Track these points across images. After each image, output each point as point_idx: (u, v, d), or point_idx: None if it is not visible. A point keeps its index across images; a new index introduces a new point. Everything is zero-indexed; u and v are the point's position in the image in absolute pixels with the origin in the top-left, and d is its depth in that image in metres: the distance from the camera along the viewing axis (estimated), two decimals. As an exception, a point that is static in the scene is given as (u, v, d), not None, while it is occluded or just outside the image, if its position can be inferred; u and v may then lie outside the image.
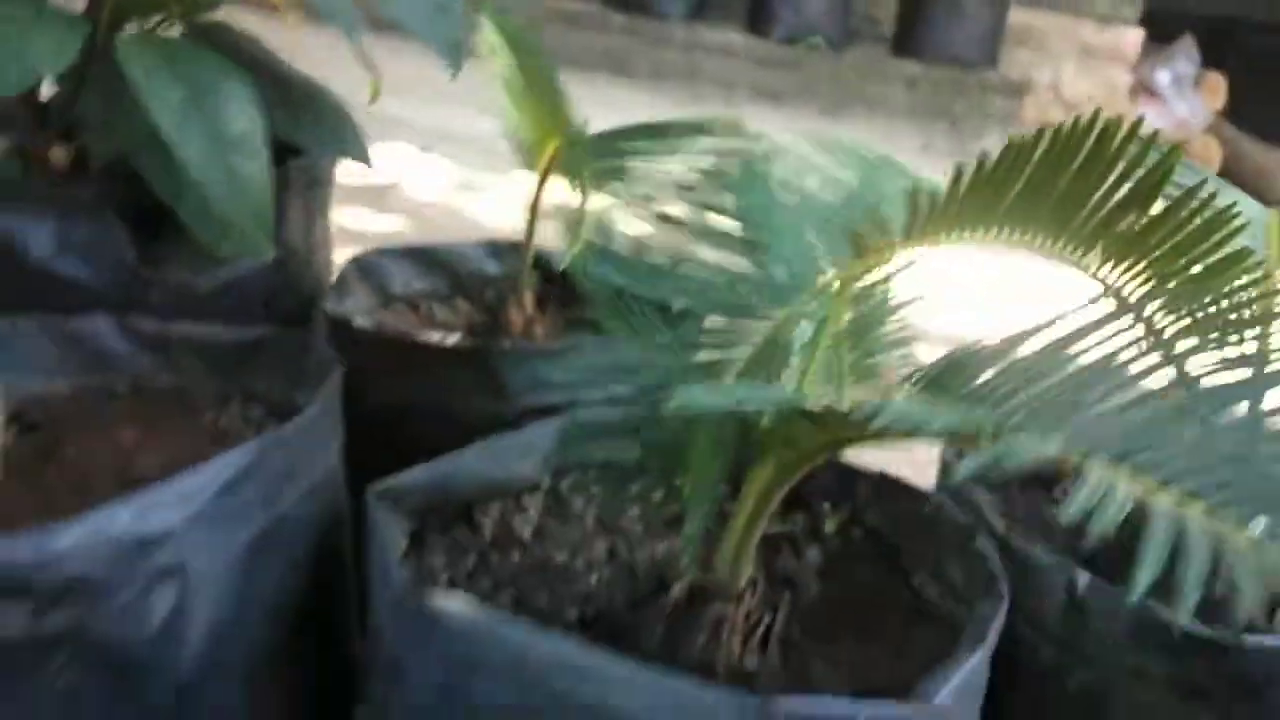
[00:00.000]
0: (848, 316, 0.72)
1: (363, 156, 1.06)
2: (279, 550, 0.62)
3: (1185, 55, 4.21)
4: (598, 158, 0.80)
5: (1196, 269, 0.71)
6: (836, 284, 0.69)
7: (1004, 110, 4.34)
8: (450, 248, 1.24)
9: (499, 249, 1.27)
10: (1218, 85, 4.20)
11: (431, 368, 0.95)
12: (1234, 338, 0.78)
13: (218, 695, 0.57)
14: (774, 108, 4.26)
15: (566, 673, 0.53)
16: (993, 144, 3.98)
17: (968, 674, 0.59)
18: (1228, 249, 0.70)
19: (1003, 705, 0.75)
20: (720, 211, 0.74)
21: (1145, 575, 0.35)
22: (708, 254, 0.71)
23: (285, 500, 0.62)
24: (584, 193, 0.71)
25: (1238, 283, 0.71)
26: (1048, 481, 1.04)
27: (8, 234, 0.87)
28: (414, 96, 3.29)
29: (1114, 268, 0.72)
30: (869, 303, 0.75)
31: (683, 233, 0.73)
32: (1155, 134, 0.62)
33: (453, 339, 0.97)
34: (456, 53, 1.02)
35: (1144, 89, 4.19)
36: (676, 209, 0.76)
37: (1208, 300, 0.74)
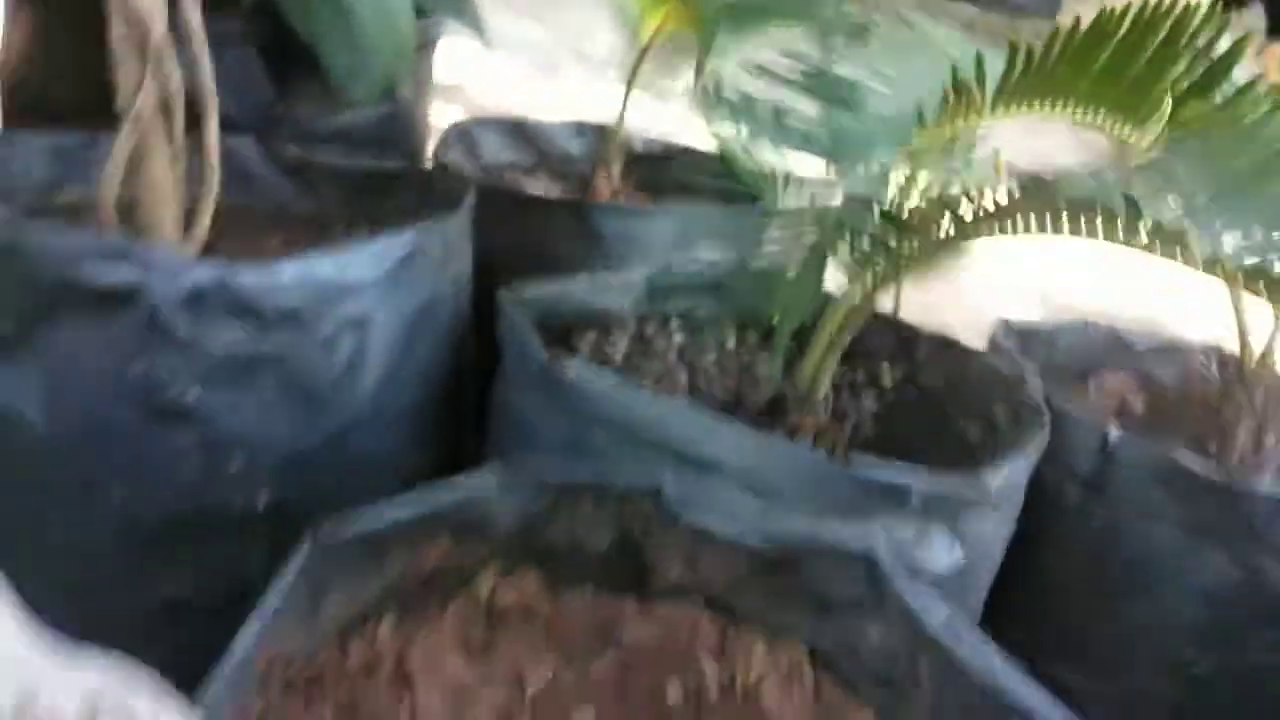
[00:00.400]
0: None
1: (476, 26, 1.14)
2: (431, 323, 0.72)
3: (1252, 16, 4.18)
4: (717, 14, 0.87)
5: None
6: (929, 137, 0.78)
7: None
8: (539, 124, 1.33)
9: (584, 129, 1.35)
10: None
11: (535, 218, 1.04)
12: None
13: (377, 434, 0.67)
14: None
15: (676, 428, 0.62)
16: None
17: (1013, 472, 0.69)
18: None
19: (1032, 539, 0.85)
20: (824, 73, 0.82)
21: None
22: (809, 110, 0.79)
23: (440, 282, 0.72)
24: (706, 48, 0.79)
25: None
26: (1083, 372, 1.13)
27: None
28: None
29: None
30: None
31: (791, 90, 0.81)
32: (1228, 18, 0.70)
33: (555, 191, 1.06)
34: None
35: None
36: (785, 68, 0.84)
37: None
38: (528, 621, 0.59)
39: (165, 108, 0.57)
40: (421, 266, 0.68)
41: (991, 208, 0.59)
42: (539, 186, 1.29)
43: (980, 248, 0.94)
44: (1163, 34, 0.70)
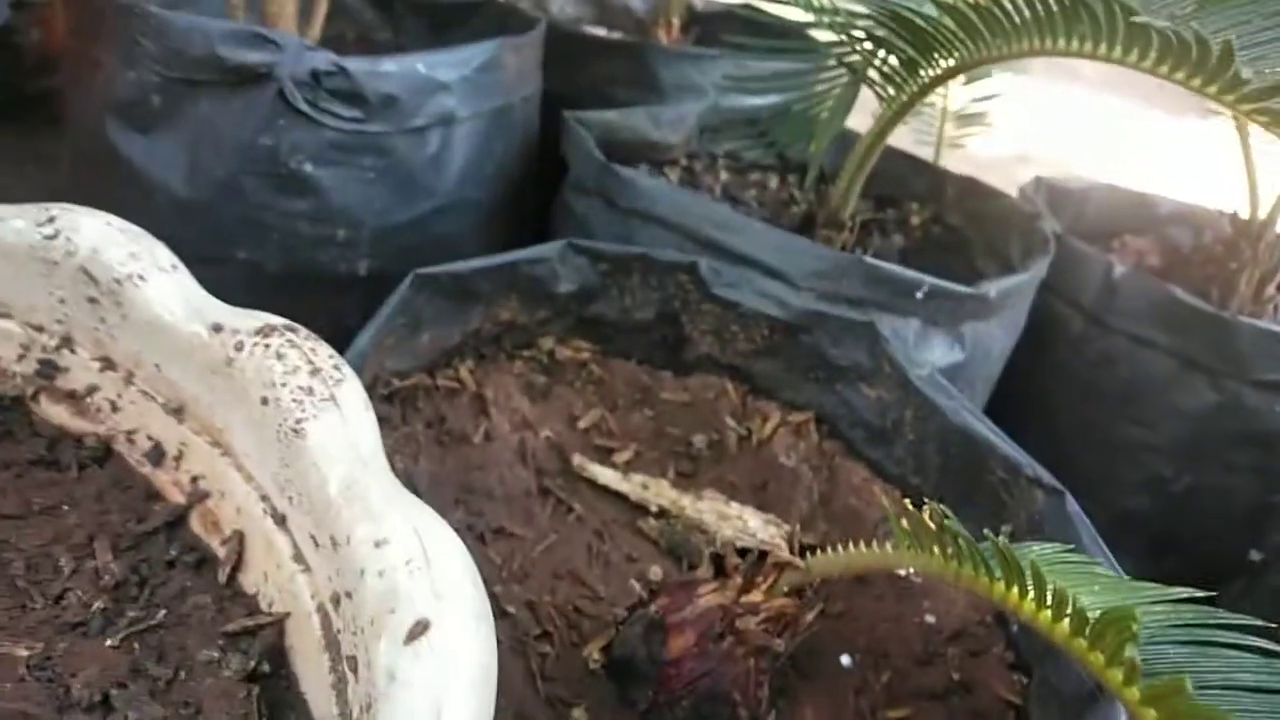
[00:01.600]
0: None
1: None
2: (506, 129, 0.81)
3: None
4: None
5: None
6: None
7: None
8: (603, -22, 1.39)
9: (645, -15, 1.41)
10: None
11: (596, 58, 1.12)
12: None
13: (457, 218, 0.78)
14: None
15: (713, 223, 0.72)
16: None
17: (1013, 285, 0.78)
18: None
19: (1033, 362, 0.94)
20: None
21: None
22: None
23: (514, 93, 0.82)
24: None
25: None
26: (1108, 234, 1.20)
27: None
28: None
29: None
30: None
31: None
32: None
33: (616, 34, 1.13)
34: None
35: None
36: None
37: None
38: (580, 376, 0.70)
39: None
40: (499, 75, 0.78)
41: (1023, 17, 0.64)
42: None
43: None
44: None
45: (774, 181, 1.06)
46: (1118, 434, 0.94)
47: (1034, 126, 2.54)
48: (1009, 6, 0.61)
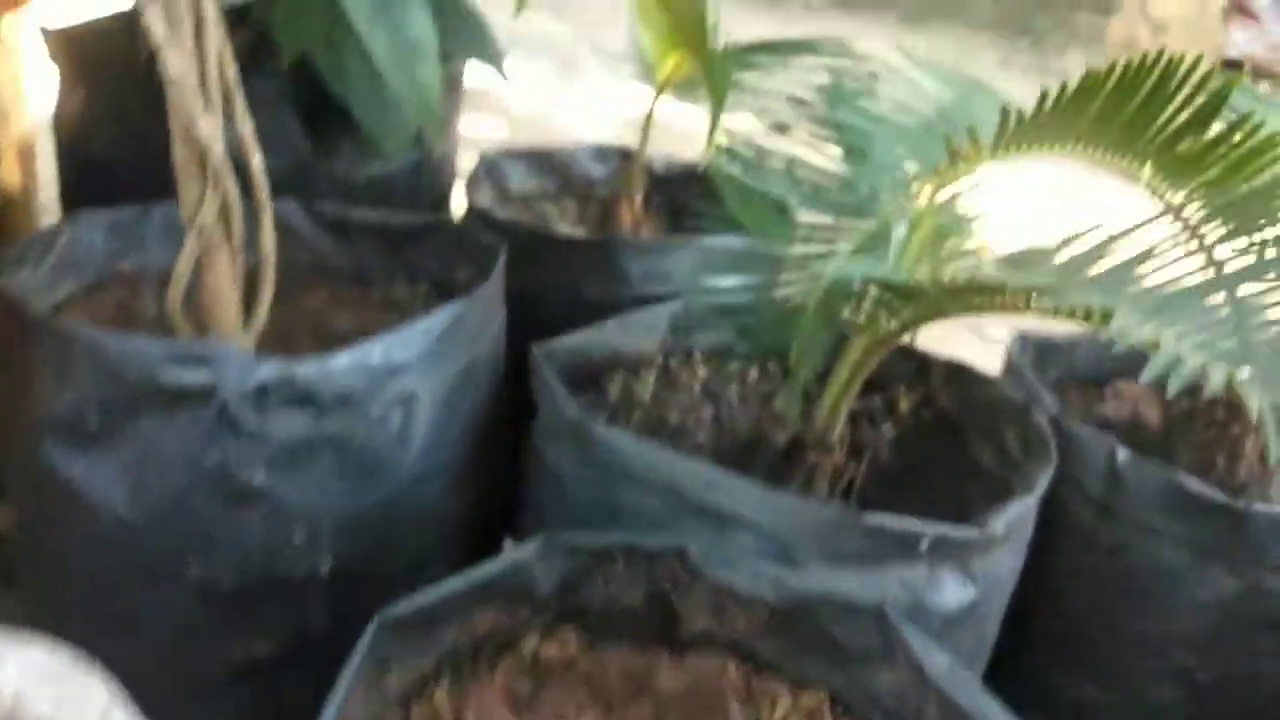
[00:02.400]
0: (935, 218, 0.84)
1: (498, 64, 1.18)
2: (471, 386, 0.77)
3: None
4: (727, 72, 0.91)
5: (1246, 188, 0.83)
6: (929, 188, 0.82)
7: (1089, 28, 4.29)
8: (561, 151, 1.37)
9: (605, 153, 1.39)
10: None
11: (561, 256, 1.09)
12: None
13: (425, 491, 0.73)
14: (849, 16, 4.26)
15: (700, 485, 0.68)
16: (1074, 64, 3.96)
17: (1018, 514, 0.73)
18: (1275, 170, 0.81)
19: (1045, 558, 0.89)
20: (830, 124, 0.86)
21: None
22: (817, 161, 0.83)
23: (477, 347, 0.78)
24: (718, 101, 0.83)
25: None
26: (1100, 381, 1.17)
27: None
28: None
29: (1172, 185, 0.83)
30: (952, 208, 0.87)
31: (797, 141, 0.85)
32: (1210, 71, 0.73)
33: (580, 231, 1.11)
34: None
35: (1240, 9, 4.10)
36: (792, 119, 0.88)
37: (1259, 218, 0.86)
38: (569, 675, 0.64)
39: (225, 216, 0.63)
40: (460, 337, 0.74)
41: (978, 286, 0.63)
42: (566, 213, 1.34)
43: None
44: (1151, 81, 0.74)
45: (754, 372, 1.02)
46: (1139, 626, 0.89)
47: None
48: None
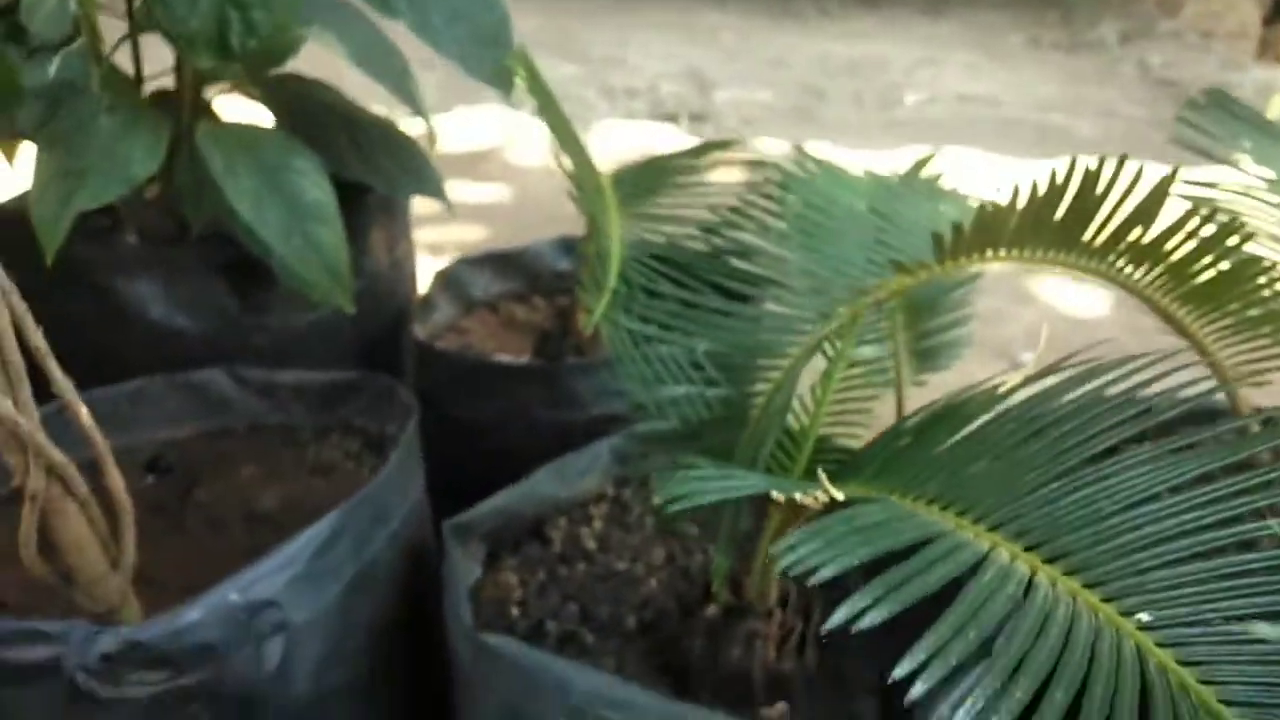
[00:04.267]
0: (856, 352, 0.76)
1: (438, 194, 1.14)
2: (371, 590, 0.73)
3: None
4: (622, 197, 0.85)
5: (1209, 275, 0.74)
6: (848, 318, 0.74)
7: (1123, -9, 4.09)
8: (525, 249, 1.33)
9: (571, 245, 1.34)
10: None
11: (506, 384, 1.05)
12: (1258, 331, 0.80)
13: (330, 713, 0.69)
14: (869, 11, 4.13)
15: (605, 702, 0.62)
16: (1107, 33, 3.76)
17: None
18: (1234, 259, 0.72)
19: None
20: (736, 251, 0.79)
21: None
22: (716, 301, 0.77)
23: (374, 547, 0.73)
24: (604, 257, 0.77)
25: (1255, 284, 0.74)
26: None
27: (125, 296, 1.00)
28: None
29: (1134, 271, 0.75)
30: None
31: (697, 276, 0.79)
32: (1139, 174, 0.66)
33: (523, 359, 1.06)
34: (507, 81, 1.09)
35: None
36: (696, 247, 0.82)
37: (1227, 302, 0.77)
38: None
39: (57, 475, 0.60)
40: (341, 549, 0.70)
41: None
42: (536, 311, 1.30)
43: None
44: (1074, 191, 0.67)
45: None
46: None
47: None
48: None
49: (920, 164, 1.16)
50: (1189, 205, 0.71)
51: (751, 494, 0.54)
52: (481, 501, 0.84)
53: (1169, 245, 0.72)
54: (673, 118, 2.95)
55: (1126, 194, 0.69)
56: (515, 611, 0.81)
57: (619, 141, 2.74)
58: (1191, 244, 0.72)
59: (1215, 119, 1.03)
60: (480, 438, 1.06)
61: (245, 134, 0.89)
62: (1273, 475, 0.43)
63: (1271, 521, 0.43)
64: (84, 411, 0.60)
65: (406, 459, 0.79)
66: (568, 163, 0.80)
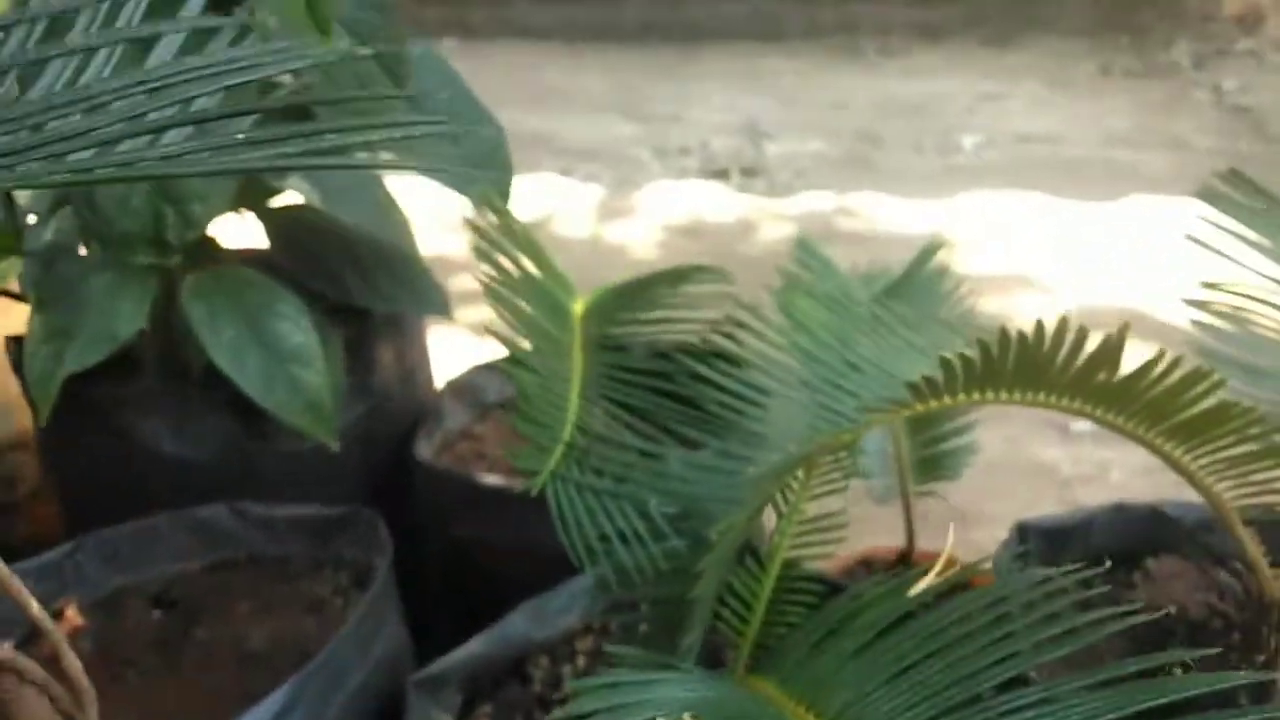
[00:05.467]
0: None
1: (444, 312, 1.16)
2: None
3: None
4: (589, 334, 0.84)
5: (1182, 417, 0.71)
6: (802, 467, 0.72)
7: (1199, 9, 3.93)
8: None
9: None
10: None
11: (500, 505, 1.05)
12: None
13: None
14: (932, 46, 4.06)
15: None
16: (1181, 55, 3.62)
17: None
18: (1206, 404, 0.69)
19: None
20: (688, 401, 0.78)
21: None
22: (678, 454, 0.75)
23: (333, 709, 0.74)
24: (557, 408, 0.76)
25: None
26: (1129, 561, 1.01)
27: (136, 432, 1.04)
28: (557, 104, 3.41)
29: (1108, 413, 0.72)
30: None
31: (654, 423, 0.78)
32: (1084, 332, 0.63)
33: (517, 483, 1.06)
34: (507, 190, 1.10)
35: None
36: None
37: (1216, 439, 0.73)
38: None
39: (4, 667, 0.62)
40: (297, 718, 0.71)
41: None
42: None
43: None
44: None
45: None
46: None
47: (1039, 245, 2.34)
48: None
49: (925, 255, 1.13)
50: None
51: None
52: (457, 648, 0.84)
53: (1137, 388, 0.68)
54: (723, 174, 2.95)
55: (1078, 344, 0.66)
56: (486, 764, 0.81)
57: (670, 204, 2.74)
58: (1158, 389, 0.69)
59: (1231, 205, 0.97)
60: (476, 556, 1.07)
61: (230, 280, 0.92)
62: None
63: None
64: (31, 601, 0.62)
65: (373, 611, 0.80)
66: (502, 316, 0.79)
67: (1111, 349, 0.65)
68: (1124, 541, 1.00)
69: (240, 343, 0.87)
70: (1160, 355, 0.67)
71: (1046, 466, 1.66)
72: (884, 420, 0.69)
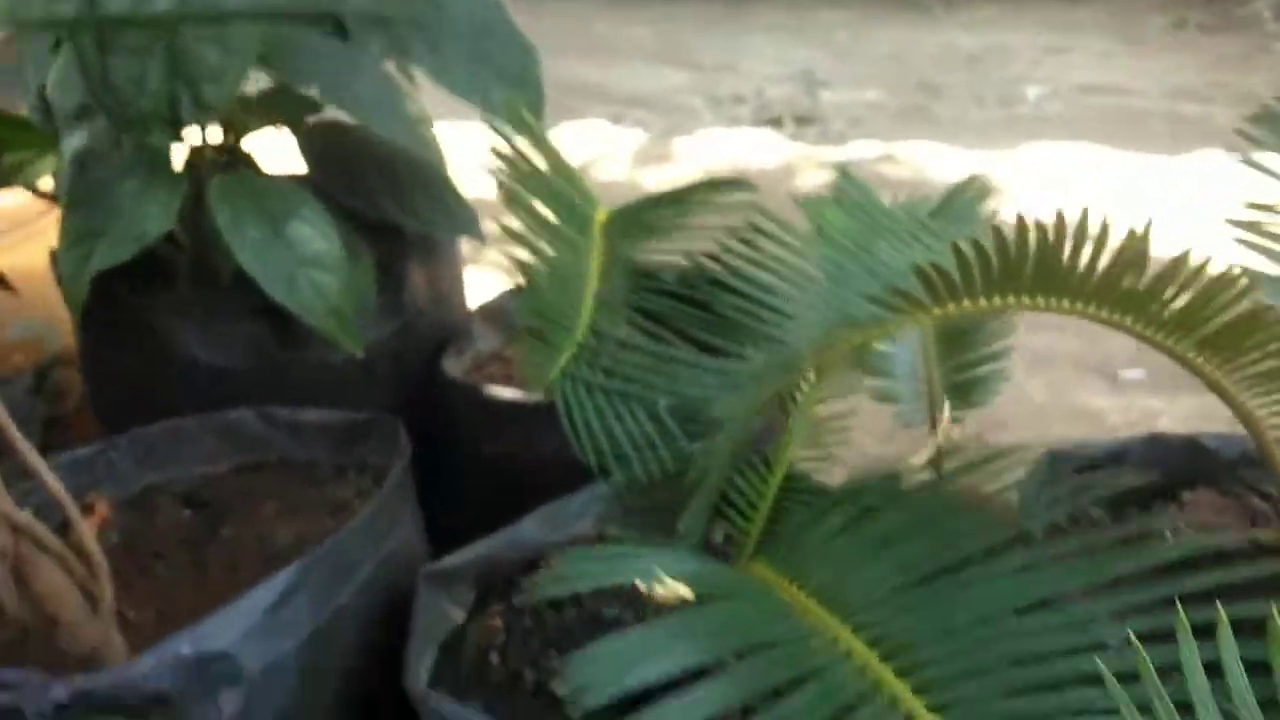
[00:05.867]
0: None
1: (474, 233, 1.16)
2: (338, 642, 0.75)
3: None
4: (612, 240, 0.84)
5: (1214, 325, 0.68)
6: (812, 373, 0.71)
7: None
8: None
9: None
10: None
11: (523, 420, 1.05)
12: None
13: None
14: (996, 2, 3.94)
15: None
16: (1264, 8, 3.46)
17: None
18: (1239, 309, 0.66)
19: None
20: (706, 307, 0.77)
21: None
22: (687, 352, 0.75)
23: (341, 596, 0.75)
24: (573, 306, 0.76)
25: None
26: (1164, 492, 0.98)
27: (169, 338, 1.06)
28: (607, 55, 3.38)
29: (1136, 321, 0.70)
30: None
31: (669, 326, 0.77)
32: (1105, 228, 0.61)
33: (535, 396, 1.07)
34: (537, 111, 1.09)
35: None
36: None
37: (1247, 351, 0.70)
38: None
39: (22, 531, 0.64)
40: (304, 598, 0.72)
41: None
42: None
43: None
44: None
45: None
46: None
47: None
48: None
49: (965, 184, 1.10)
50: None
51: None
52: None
53: (1167, 291, 0.66)
54: (777, 122, 2.90)
55: (1100, 245, 0.64)
56: (495, 659, 0.81)
57: (718, 149, 2.71)
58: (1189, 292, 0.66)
59: (1281, 133, 0.93)
60: (504, 471, 1.08)
61: (256, 185, 0.93)
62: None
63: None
64: (51, 479, 0.65)
65: (385, 508, 0.81)
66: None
67: (1138, 247, 0.63)
68: (1159, 473, 0.96)
69: (264, 244, 0.88)
70: (1188, 254, 0.65)
71: (1093, 413, 1.62)
72: (896, 323, 0.67)
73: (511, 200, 0.77)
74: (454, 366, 1.14)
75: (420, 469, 1.09)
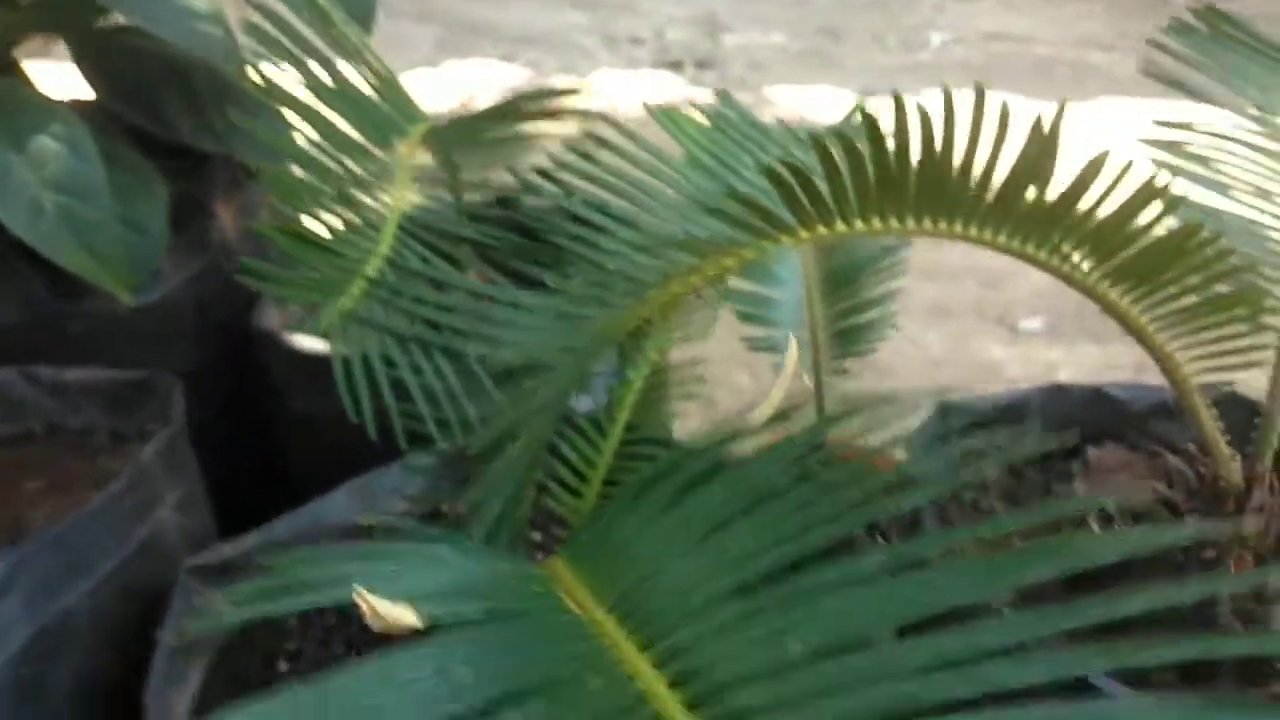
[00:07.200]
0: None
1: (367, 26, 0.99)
2: (68, 656, 0.60)
3: None
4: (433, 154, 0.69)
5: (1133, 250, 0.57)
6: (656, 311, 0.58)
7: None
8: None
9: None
10: None
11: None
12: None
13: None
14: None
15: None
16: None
17: None
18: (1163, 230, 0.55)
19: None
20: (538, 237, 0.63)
21: None
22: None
23: (69, 597, 0.60)
24: (372, 229, 0.61)
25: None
26: (1068, 450, 0.89)
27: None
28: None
29: (1040, 248, 0.59)
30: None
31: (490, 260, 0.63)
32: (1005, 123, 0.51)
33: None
34: (367, 21, 0.94)
35: None
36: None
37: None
38: None
39: None
40: (11, 604, 0.56)
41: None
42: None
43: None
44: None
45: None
46: None
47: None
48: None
49: (852, 113, 0.99)
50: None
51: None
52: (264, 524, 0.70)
53: (1076, 211, 0.54)
54: (677, 65, 2.76)
55: (998, 148, 0.53)
56: (285, 666, 0.67)
57: (609, 91, 2.56)
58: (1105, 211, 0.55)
59: (1204, 45, 0.84)
60: (315, 433, 0.93)
61: (9, 97, 0.75)
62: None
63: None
64: None
65: (137, 486, 0.66)
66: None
67: (1045, 146, 0.51)
68: (1062, 427, 0.87)
69: (6, 166, 0.70)
70: (1104, 156, 0.53)
71: (992, 365, 1.53)
72: (756, 248, 0.54)
73: (288, 102, 0.62)
74: (269, 318, 0.97)
75: (231, 435, 0.94)
